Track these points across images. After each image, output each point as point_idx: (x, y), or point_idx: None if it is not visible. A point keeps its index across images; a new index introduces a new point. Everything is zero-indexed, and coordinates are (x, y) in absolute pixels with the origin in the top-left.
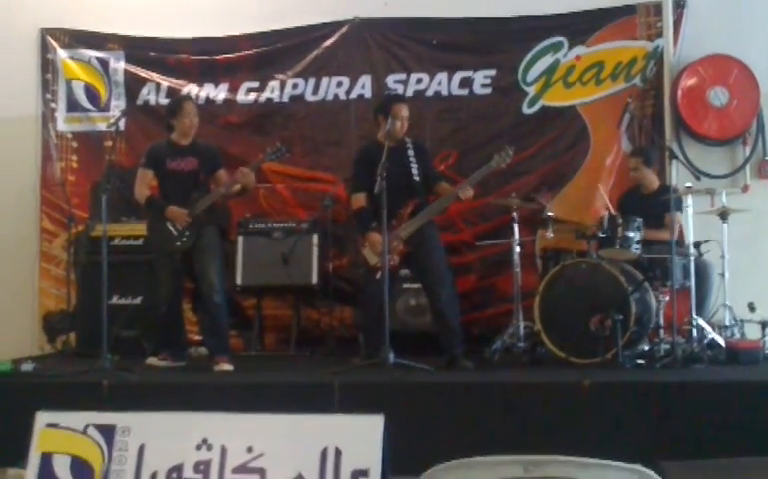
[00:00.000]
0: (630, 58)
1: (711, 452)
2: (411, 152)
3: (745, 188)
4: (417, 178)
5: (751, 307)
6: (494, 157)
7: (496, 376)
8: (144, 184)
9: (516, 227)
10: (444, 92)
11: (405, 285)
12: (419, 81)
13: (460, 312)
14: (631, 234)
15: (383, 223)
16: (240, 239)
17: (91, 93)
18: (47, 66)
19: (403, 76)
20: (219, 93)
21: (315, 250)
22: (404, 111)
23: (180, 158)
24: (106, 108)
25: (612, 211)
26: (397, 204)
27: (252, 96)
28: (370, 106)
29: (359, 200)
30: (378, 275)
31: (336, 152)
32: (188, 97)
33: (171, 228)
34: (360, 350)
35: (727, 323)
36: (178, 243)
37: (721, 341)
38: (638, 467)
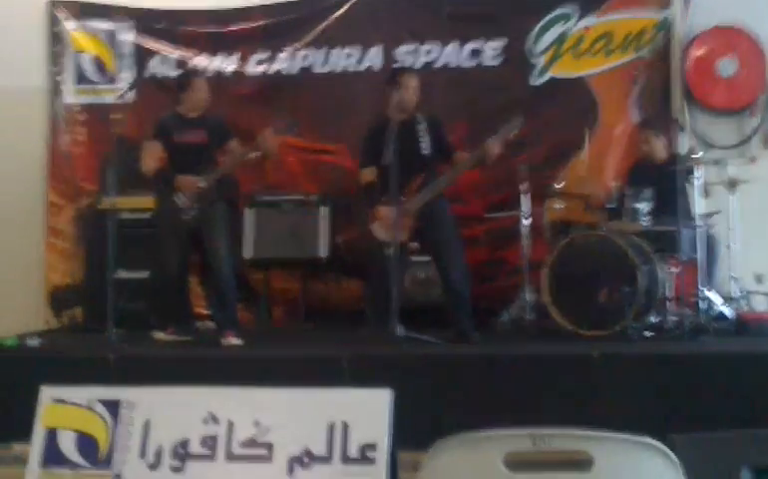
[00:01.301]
0: (639, 29)
1: (720, 424)
2: (422, 126)
3: (753, 159)
4: (426, 152)
5: (758, 278)
6: (502, 127)
7: (504, 348)
8: (151, 156)
9: (524, 198)
10: (454, 63)
11: (413, 258)
12: (429, 52)
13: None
14: (639, 205)
15: (393, 194)
16: (248, 211)
17: (99, 65)
18: (55, 38)
19: (413, 47)
20: (228, 65)
21: (324, 223)
22: (413, 82)
23: (188, 131)
24: (114, 80)
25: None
26: (405, 178)
27: (262, 68)
28: (381, 77)
29: (367, 174)
30: (390, 250)
31: (346, 123)
32: (198, 72)
33: (178, 201)
34: (368, 323)
35: (735, 295)
36: (185, 217)
37: (729, 313)
38: (647, 439)
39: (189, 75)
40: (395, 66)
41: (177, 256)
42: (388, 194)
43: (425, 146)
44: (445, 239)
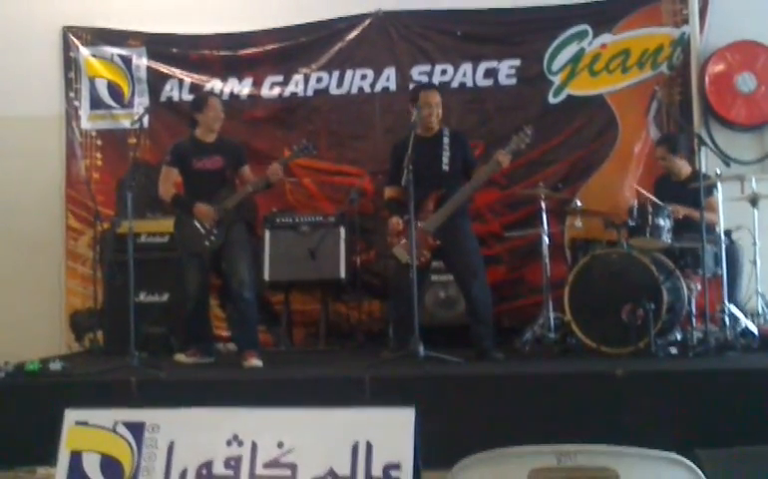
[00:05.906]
0: (656, 45)
1: (745, 440)
2: (446, 140)
3: None
4: (446, 168)
5: None
6: (512, 139)
7: (527, 367)
8: (169, 182)
9: (544, 217)
10: (469, 83)
11: (434, 278)
12: (444, 72)
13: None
14: (662, 222)
15: (411, 216)
16: (267, 233)
17: (114, 90)
18: (70, 64)
19: (428, 67)
20: (243, 88)
21: (342, 244)
22: (434, 98)
23: (205, 157)
24: (129, 105)
25: (655, 200)
26: (423, 196)
27: (276, 90)
28: (395, 98)
29: (387, 192)
30: (412, 272)
31: (361, 145)
32: (212, 93)
33: (199, 226)
34: (389, 343)
35: (760, 310)
36: (206, 243)
37: (754, 328)
38: (673, 455)
39: (204, 95)
40: (417, 83)
41: (198, 280)
42: (405, 213)
43: (445, 162)
44: (466, 258)
